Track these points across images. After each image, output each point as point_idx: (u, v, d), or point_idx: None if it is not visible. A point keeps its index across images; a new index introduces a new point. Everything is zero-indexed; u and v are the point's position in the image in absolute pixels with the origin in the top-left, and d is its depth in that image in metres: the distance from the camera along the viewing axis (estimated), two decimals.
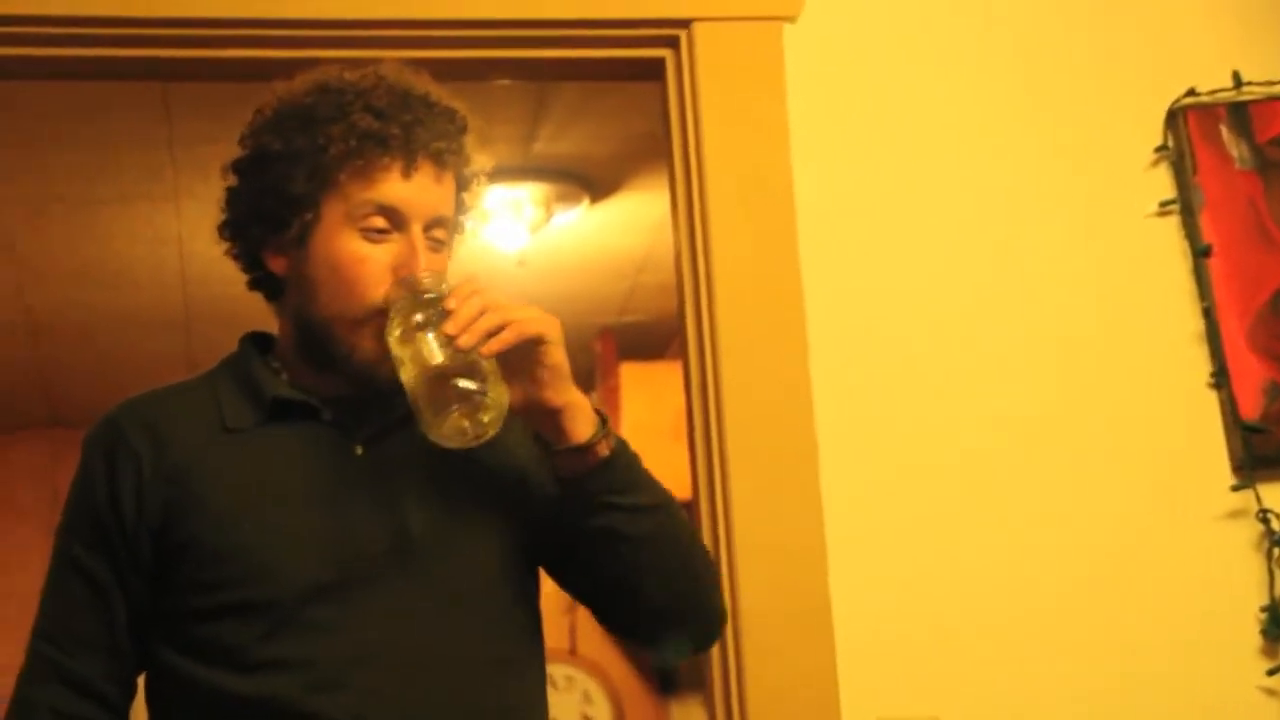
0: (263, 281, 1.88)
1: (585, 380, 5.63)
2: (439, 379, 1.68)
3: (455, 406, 1.67)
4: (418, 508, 1.78)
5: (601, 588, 1.83)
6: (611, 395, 5.53)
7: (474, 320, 1.69)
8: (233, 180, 1.86)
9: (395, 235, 1.78)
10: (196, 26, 2.61)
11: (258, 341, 1.90)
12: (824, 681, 2.44)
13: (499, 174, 4.58)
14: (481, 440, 1.70)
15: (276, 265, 1.83)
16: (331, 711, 1.68)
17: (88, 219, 4.52)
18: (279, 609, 1.71)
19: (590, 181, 4.51)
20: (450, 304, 1.70)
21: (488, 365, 1.69)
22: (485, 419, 1.69)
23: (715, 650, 2.50)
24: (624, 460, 1.79)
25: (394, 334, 1.72)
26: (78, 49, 2.63)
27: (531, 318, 1.73)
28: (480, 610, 1.78)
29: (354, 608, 1.72)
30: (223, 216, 1.87)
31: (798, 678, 2.45)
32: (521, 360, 1.72)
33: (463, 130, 1.85)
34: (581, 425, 1.75)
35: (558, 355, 1.73)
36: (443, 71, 2.66)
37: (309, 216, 1.78)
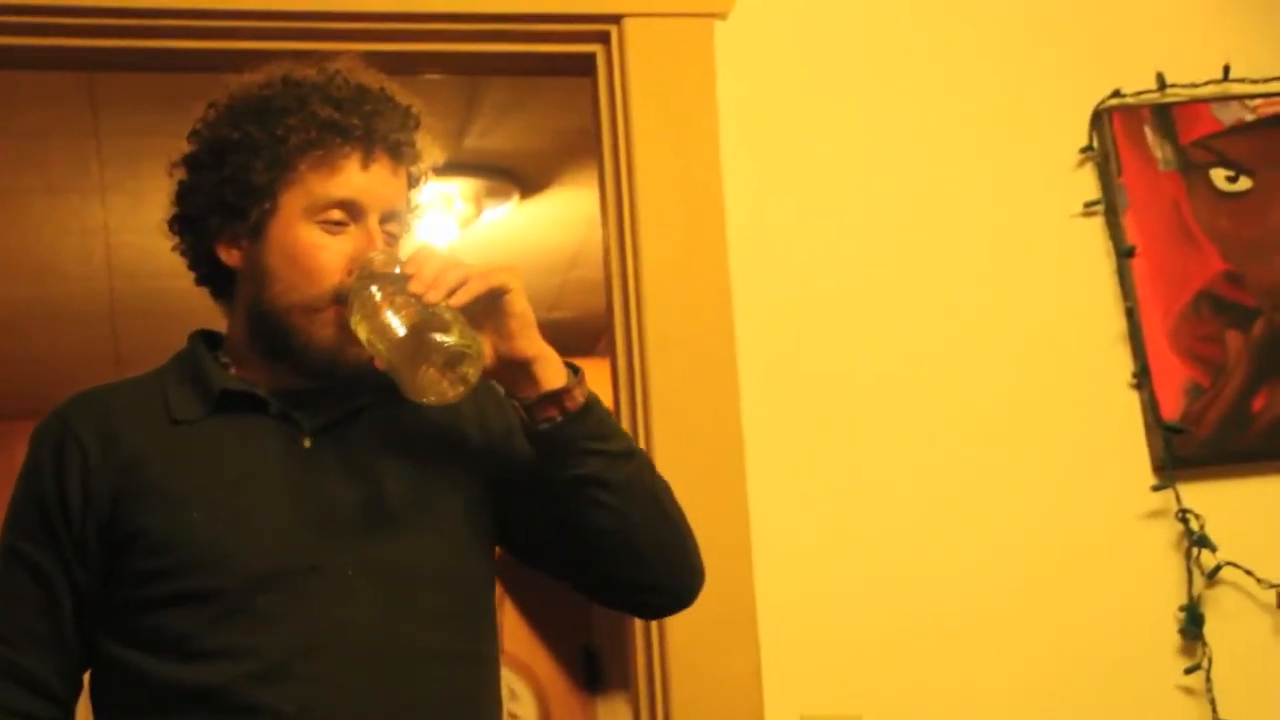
0: (211, 276, 1.87)
1: None
2: (411, 339, 1.68)
3: (432, 363, 1.67)
4: (367, 500, 1.78)
5: (583, 544, 1.81)
6: None
7: (437, 278, 1.70)
8: (184, 174, 1.86)
9: (352, 227, 1.79)
10: (122, 16, 2.58)
11: (206, 339, 1.89)
12: (748, 679, 2.45)
13: None
14: (465, 393, 1.70)
15: (230, 257, 1.83)
16: (275, 702, 1.67)
17: (14, 210, 4.46)
18: (225, 598, 1.70)
19: (521, 177, 4.49)
20: (410, 268, 1.72)
21: (457, 317, 1.69)
22: (466, 369, 1.68)
23: (640, 647, 2.50)
24: (599, 408, 1.80)
25: (356, 316, 1.73)
26: (2, 37, 2.60)
27: (493, 269, 1.74)
28: (431, 602, 1.77)
29: (301, 598, 1.71)
30: (173, 210, 1.87)
31: (722, 675, 2.46)
32: (488, 313, 1.73)
33: (417, 126, 1.87)
34: (555, 373, 1.76)
35: (523, 304, 1.75)
36: (373, 65, 2.66)
37: (267, 206, 1.79)
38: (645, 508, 1.81)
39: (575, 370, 1.78)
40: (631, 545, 1.81)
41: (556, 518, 1.82)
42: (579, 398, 1.77)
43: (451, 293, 1.70)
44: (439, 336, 1.67)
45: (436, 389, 1.69)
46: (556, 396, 1.76)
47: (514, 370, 1.76)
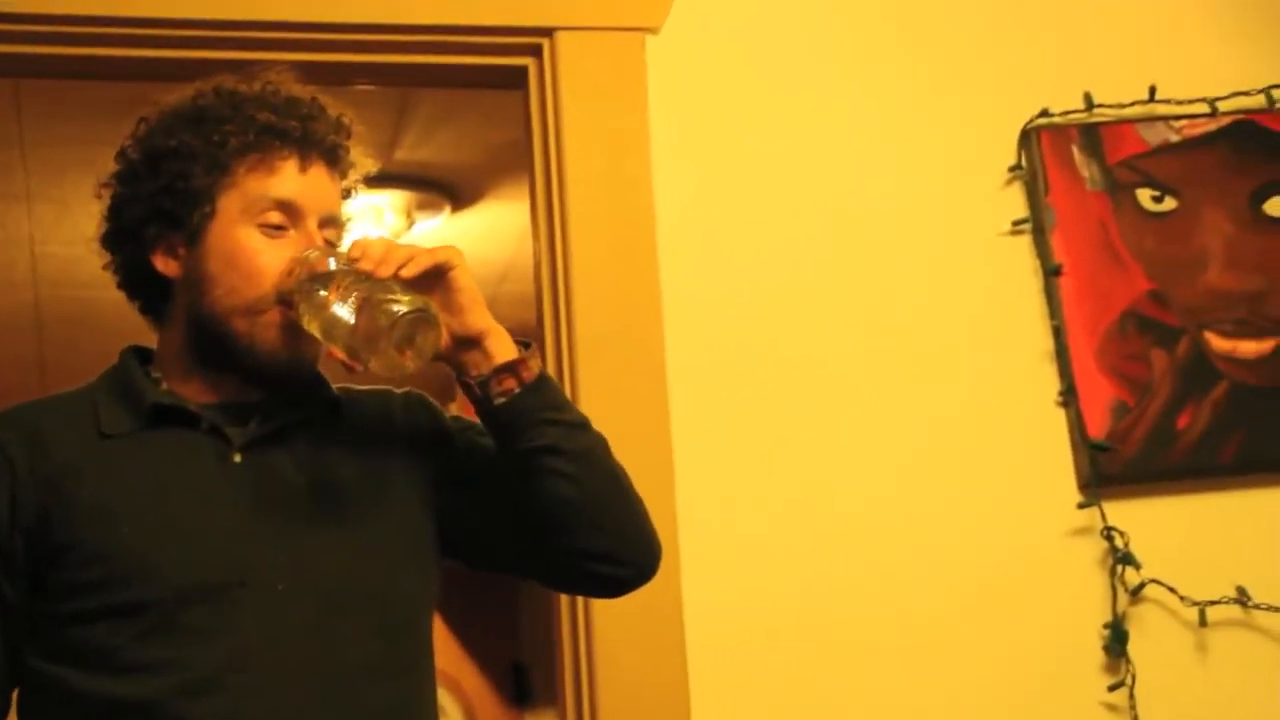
0: (145, 291, 1.87)
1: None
2: (366, 317, 1.68)
3: (393, 335, 1.68)
4: (297, 514, 1.77)
5: (543, 520, 1.81)
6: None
7: (385, 255, 1.72)
8: (116, 189, 1.85)
9: (292, 233, 1.80)
10: (49, 23, 2.56)
11: (138, 354, 1.88)
12: (675, 694, 2.45)
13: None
14: (424, 363, 1.71)
15: (168, 268, 1.82)
16: (202, 715, 1.65)
17: None
18: (153, 611, 1.69)
19: (452, 189, 4.49)
20: (355, 252, 1.73)
21: (408, 290, 1.71)
22: (424, 341, 1.70)
23: (568, 662, 2.50)
24: (552, 380, 1.83)
25: (306, 315, 1.73)
26: None
27: (435, 248, 1.76)
28: (364, 616, 1.76)
29: (230, 612, 1.70)
30: (105, 227, 1.87)
31: (649, 690, 2.46)
32: (435, 290, 1.74)
33: (349, 135, 1.88)
34: (507, 345, 1.78)
35: (470, 279, 1.77)
36: (304, 75, 2.64)
37: (206, 209, 1.79)
38: (604, 477, 1.82)
39: (526, 345, 1.81)
40: (593, 514, 1.80)
41: (511, 505, 1.82)
42: (534, 368, 1.79)
43: (401, 267, 1.72)
44: (395, 307, 1.68)
45: (397, 364, 1.69)
46: (513, 367, 1.77)
47: (466, 347, 1.78)
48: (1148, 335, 2.67)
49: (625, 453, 2.47)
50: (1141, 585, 2.58)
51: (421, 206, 4.52)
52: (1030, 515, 2.60)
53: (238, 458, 1.78)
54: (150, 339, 1.88)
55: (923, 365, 2.65)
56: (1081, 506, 2.60)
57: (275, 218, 1.79)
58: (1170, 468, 2.63)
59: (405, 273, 1.72)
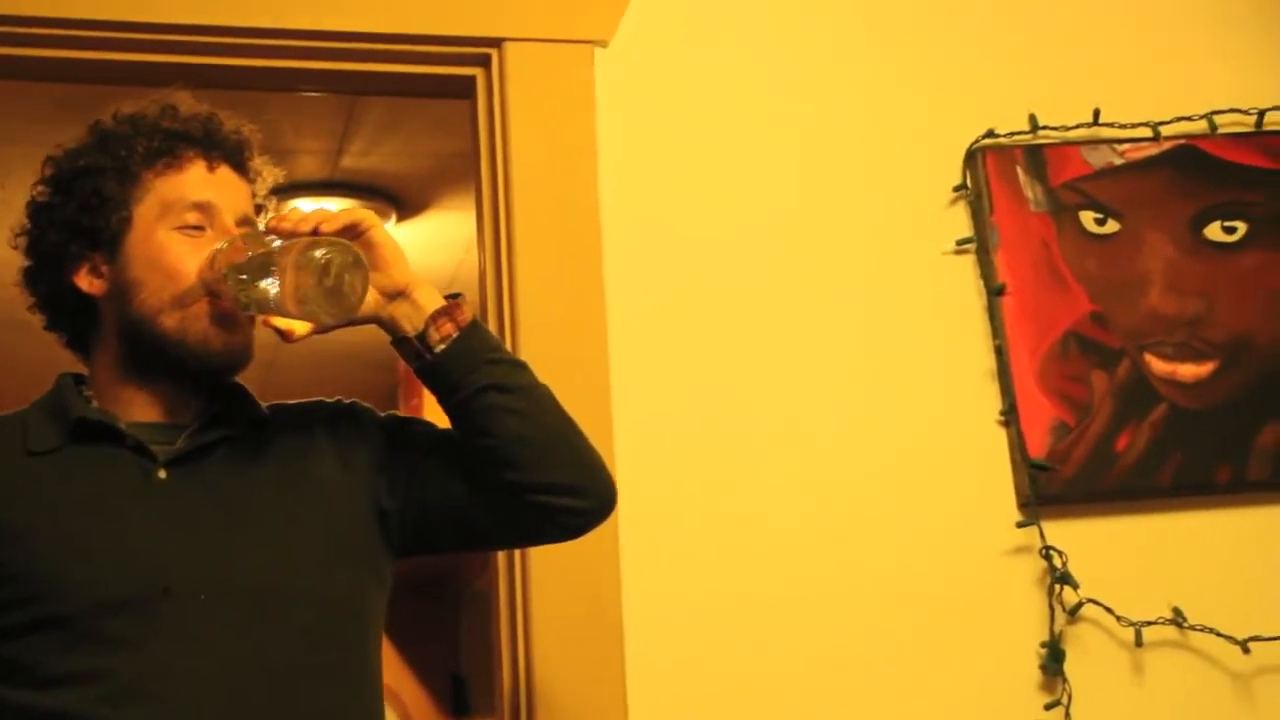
0: (70, 319, 1.90)
1: (389, 399, 5.58)
2: (293, 268, 1.71)
3: (322, 280, 1.71)
4: (221, 526, 1.79)
5: (497, 464, 1.83)
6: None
7: (303, 217, 1.79)
8: (30, 229, 1.90)
9: (209, 232, 1.84)
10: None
11: (75, 379, 1.91)
12: (613, 708, 2.44)
13: (304, 187, 4.50)
14: (362, 300, 1.75)
15: (93, 286, 1.86)
16: None
17: None
18: (74, 624, 1.70)
19: (398, 198, 4.49)
20: (273, 223, 1.80)
21: (328, 239, 1.75)
22: (352, 277, 1.73)
23: (506, 673, 2.49)
24: (484, 325, 1.89)
25: (236, 293, 1.76)
26: None
27: (345, 209, 1.85)
28: (292, 621, 1.77)
29: (152, 621, 1.71)
30: (26, 264, 1.91)
31: (587, 703, 2.45)
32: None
33: (252, 143, 1.94)
34: (435, 295, 1.85)
35: (388, 235, 1.84)
36: (252, 80, 2.63)
37: (124, 214, 1.83)
38: (551, 411, 1.87)
39: (452, 297, 1.86)
40: (547, 447, 1.85)
41: (463, 474, 1.86)
42: (468, 313, 1.84)
43: (319, 224, 1.78)
44: (317, 252, 1.72)
45: (332, 312, 1.74)
46: (448, 312, 1.83)
47: (396, 302, 1.83)
48: (1089, 356, 2.69)
49: None
50: (1079, 605, 2.59)
51: None
52: (969, 533, 2.61)
53: (162, 474, 1.80)
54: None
55: (864, 382, 2.65)
56: (1020, 525, 2.61)
57: (193, 218, 1.84)
58: (1109, 488, 2.64)
59: (325, 227, 1.77)
